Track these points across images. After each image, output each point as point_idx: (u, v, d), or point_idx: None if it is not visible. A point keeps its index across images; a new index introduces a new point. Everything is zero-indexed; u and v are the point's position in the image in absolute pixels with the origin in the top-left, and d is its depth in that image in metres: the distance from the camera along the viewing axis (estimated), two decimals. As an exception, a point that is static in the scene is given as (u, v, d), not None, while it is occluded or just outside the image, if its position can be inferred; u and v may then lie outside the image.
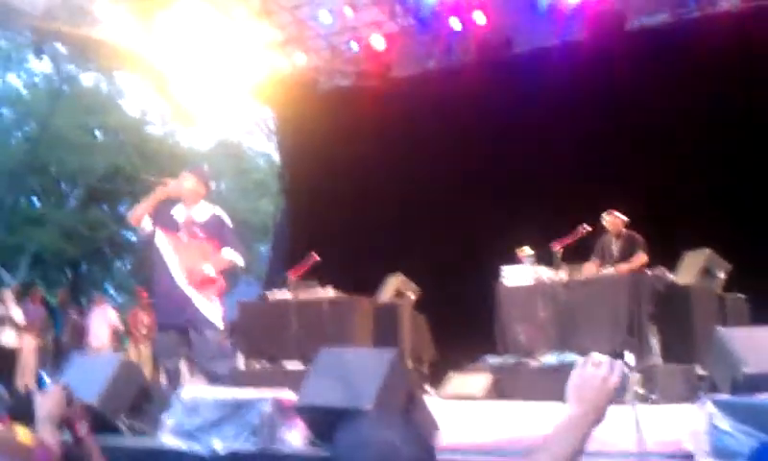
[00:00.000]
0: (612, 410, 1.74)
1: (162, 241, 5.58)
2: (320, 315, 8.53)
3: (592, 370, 1.70)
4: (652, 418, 5.62)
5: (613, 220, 8.34)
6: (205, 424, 4.40)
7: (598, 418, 1.67)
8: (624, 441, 2.23)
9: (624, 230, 8.34)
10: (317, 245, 9.34)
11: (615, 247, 8.33)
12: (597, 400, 1.66)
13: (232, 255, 5.57)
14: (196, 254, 5.51)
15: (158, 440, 4.58)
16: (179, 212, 5.65)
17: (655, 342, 7.26)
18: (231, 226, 5.69)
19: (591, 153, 10.02)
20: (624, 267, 7.96)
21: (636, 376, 6.53)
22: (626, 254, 8.16)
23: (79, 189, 24.68)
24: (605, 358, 1.72)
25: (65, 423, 2.51)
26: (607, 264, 8.25)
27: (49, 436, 2.38)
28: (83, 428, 2.55)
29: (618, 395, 1.69)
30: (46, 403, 2.47)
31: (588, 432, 1.64)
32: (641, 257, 8.04)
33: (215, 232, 5.58)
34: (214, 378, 5.36)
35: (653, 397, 6.47)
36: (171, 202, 5.72)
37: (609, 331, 7.41)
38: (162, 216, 5.64)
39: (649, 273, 7.71)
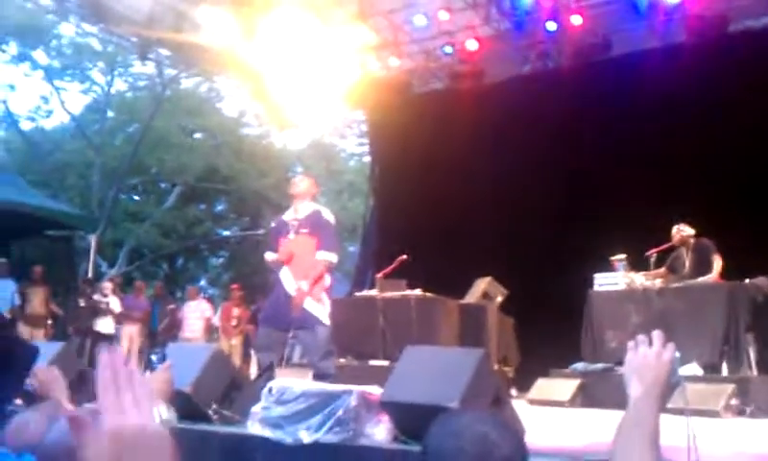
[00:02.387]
0: (668, 422, 1.73)
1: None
2: (406, 314, 8.52)
3: (645, 349, 1.71)
4: (746, 431, 5.43)
5: (679, 233, 8.17)
6: (292, 413, 4.47)
7: (662, 392, 1.67)
8: (679, 453, 2.17)
9: (692, 239, 8.14)
10: (405, 246, 9.34)
11: (687, 258, 8.15)
12: (657, 375, 1.67)
13: (325, 256, 5.84)
14: (302, 251, 5.87)
15: (246, 428, 4.69)
16: (288, 214, 6.07)
17: (752, 353, 7.01)
18: (332, 221, 5.94)
19: (693, 156, 9.72)
20: (709, 278, 7.78)
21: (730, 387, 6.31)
22: (699, 264, 7.97)
23: (177, 188, 25.44)
24: (655, 334, 1.72)
25: None
26: (680, 276, 8.09)
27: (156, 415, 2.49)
28: None
29: (674, 374, 1.69)
30: (155, 383, 2.60)
31: (658, 407, 1.64)
32: (718, 262, 7.85)
33: (315, 228, 5.88)
34: (322, 376, 5.56)
35: (748, 409, 6.24)
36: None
37: (704, 341, 7.21)
38: (278, 224, 6.14)
39: (748, 282, 7.44)
